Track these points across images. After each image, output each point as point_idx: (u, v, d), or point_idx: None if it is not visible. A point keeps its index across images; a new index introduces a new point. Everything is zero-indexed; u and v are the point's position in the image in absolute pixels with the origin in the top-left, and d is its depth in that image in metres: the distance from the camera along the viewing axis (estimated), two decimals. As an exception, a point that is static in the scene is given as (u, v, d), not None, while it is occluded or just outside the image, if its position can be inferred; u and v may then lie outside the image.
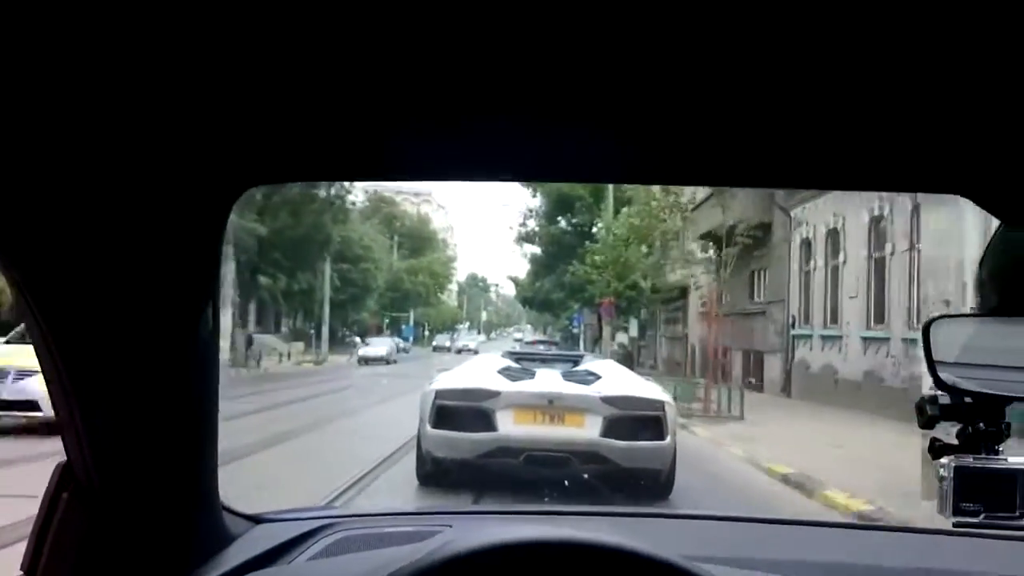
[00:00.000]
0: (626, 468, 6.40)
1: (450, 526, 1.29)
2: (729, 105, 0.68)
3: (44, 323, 0.82)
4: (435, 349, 51.12)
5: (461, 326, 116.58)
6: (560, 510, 1.67)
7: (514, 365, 7.44)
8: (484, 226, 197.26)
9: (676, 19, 0.56)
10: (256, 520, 1.26)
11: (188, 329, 0.92)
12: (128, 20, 0.58)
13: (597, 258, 27.15)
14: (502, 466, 6.46)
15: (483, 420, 6.51)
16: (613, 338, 30.82)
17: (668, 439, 6.52)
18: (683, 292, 30.05)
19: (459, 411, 6.55)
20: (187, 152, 0.80)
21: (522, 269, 55.94)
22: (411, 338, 73.09)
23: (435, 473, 6.80)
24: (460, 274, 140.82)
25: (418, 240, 69.41)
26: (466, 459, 6.54)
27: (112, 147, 0.75)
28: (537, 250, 36.64)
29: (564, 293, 34.19)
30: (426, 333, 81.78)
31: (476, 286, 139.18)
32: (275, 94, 0.71)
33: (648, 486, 6.51)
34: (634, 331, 35.93)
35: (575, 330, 52.98)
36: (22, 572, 0.93)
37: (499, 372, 7.12)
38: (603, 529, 0.88)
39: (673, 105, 0.68)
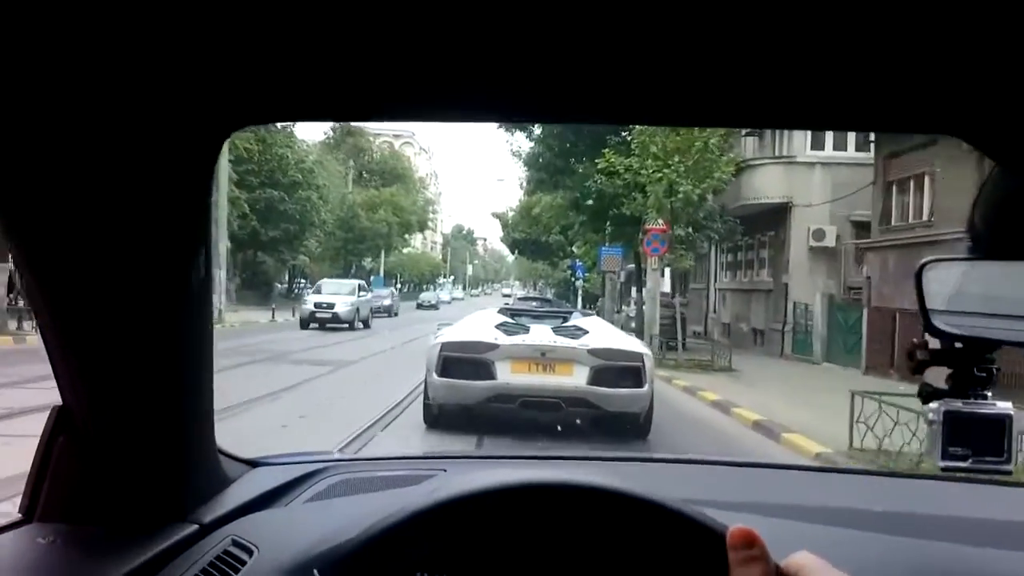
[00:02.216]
0: (610, 412, 6.91)
1: (444, 470, 1.31)
2: (724, 45, 0.68)
3: (34, 270, 0.84)
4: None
5: (445, 280, 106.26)
6: (551, 455, 1.62)
7: (510, 321, 7.74)
8: (473, 178, 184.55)
9: None
10: (253, 464, 1.25)
11: (181, 273, 0.91)
12: None
13: (654, 144, 15.20)
14: (500, 410, 6.89)
15: (483, 370, 6.91)
16: (675, 290, 19.19)
17: (646, 387, 6.94)
18: (775, 215, 18.29)
19: (462, 361, 6.95)
20: (174, 91, 0.78)
21: (512, 198, 43.75)
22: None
23: (440, 417, 7.24)
24: (445, 226, 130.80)
25: (389, 177, 56.60)
26: (468, 404, 7.04)
27: (96, 86, 0.73)
28: (535, 148, 21.82)
29: (580, 220, 21.95)
30: (397, 286, 70.06)
31: (461, 237, 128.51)
32: (264, 30, 0.69)
33: (630, 427, 7.00)
34: (663, 283, 23.94)
35: (578, 282, 41.61)
36: (21, 515, 0.95)
37: (497, 327, 7.46)
38: (591, 473, 0.91)
39: (669, 42, 0.68)
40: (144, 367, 0.92)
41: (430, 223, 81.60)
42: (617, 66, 0.72)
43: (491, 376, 6.87)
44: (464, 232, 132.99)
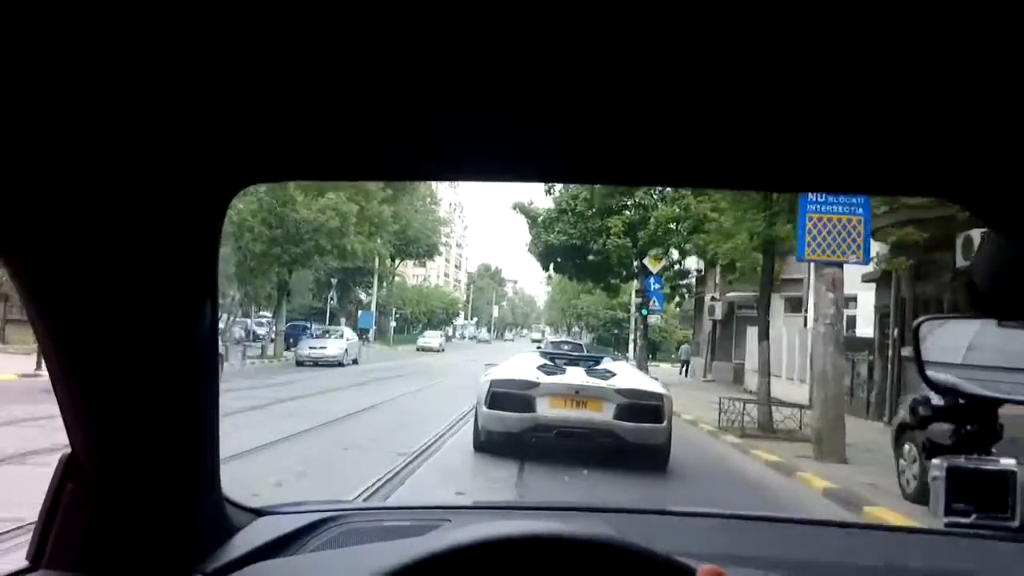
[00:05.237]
0: (632, 443, 8.19)
1: (449, 520, 1.34)
2: (721, 108, 0.73)
3: (47, 320, 0.86)
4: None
5: (467, 321, 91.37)
6: (557, 505, 1.76)
7: (549, 363, 9.15)
8: (503, 220, 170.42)
9: (671, 24, 0.61)
10: (258, 512, 1.27)
11: (188, 324, 0.93)
12: (126, 19, 0.61)
13: None
14: (539, 439, 8.22)
15: (525, 404, 8.32)
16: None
17: (665, 423, 8.30)
18: None
19: (508, 396, 8.41)
20: (185, 149, 0.82)
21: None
22: (370, 331, 45.88)
23: (487, 443, 8.66)
24: (471, 264, 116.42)
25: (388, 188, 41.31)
26: (511, 433, 8.38)
27: (110, 145, 0.77)
28: None
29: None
30: (393, 324, 54.37)
31: (488, 276, 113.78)
32: (274, 91, 0.73)
33: (650, 457, 8.29)
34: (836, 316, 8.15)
35: (651, 316, 25.74)
36: (28, 561, 0.96)
37: (538, 368, 8.85)
38: (599, 525, 0.93)
39: (669, 108, 0.73)
40: (151, 416, 0.94)
41: (442, 250, 66.35)
42: (626, 129, 0.75)
43: (532, 409, 8.26)
44: (492, 271, 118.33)
